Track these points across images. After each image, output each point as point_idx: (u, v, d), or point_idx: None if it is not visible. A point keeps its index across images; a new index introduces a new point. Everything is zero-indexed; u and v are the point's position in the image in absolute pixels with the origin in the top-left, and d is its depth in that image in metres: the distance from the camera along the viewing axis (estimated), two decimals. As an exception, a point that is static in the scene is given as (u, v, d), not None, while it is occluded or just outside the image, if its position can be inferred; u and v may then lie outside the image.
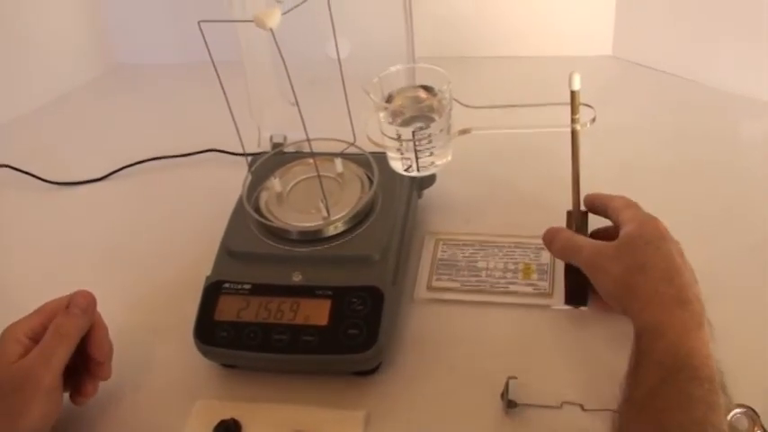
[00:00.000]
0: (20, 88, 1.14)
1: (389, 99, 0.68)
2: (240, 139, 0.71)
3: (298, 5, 0.61)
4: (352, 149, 0.77)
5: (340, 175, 0.75)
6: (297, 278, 0.68)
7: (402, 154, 0.69)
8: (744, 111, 0.95)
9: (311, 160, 0.74)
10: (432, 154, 0.68)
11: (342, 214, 0.70)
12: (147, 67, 1.23)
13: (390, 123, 0.67)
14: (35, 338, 0.60)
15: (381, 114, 0.67)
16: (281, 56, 0.60)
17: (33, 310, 0.62)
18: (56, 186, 0.97)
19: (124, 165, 0.97)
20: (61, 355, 0.59)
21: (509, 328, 0.70)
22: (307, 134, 0.66)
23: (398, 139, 0.67)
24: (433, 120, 0.66)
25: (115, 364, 0.64)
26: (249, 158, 0.77)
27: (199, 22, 0.61)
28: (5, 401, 0.57)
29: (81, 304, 0.61)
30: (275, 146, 0.84)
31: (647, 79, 1.03)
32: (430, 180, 0.80)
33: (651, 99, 1.00)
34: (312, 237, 0.70)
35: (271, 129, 0.85)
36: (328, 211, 0.70)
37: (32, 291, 0.67)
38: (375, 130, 0.70)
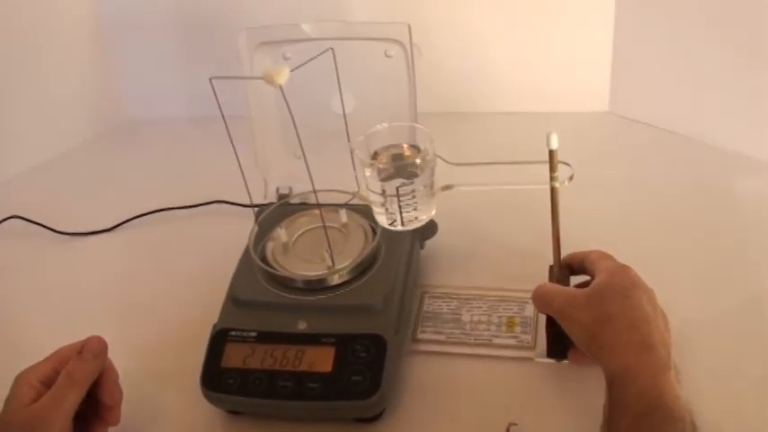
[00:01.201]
0: (32, 140, 1.17)
1: (375, 156, 0.70)
2: (248, 190, 0.73)
3: (305, 63, 0.64)
4: (356, 200, 0.79)
5: (344, 225, 0.77)
6: (302, 326, 0.69)
7: (386, 209, 0.71)
8: (739, 168, 0.97)
9: (316, 211, 0.76)
10: (415, 209, 0.70)
11: (346, 263, 0.72)
12: (157, 121, 1.27)
13: (376, 180, 0.69)
14: (47, 383, 0.61)
15: (367, 171, 0.69)
16: (290, 112, 0.62)
17: (46, 356, 0.63)
18: (65, 237, 0.99)
19: (133, 216, 1.00)
20: (72, 399, 0.60)
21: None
22: (313, 185, 0.68)
23: (383, 194, 0.69)
24: (416, 176, 0.69)
25: (124, 411, 0.65)
26: (256, 209, 0.79)
27: (210, 79, 0.64)
28: None
29: (93, 349, 0.63)
30: (281, 197, 0.86)
31: (643, 135, 1.06)
32: (431, 231, 0.82)
33: (647, 155, 1.03)
34: (317, 285, 0.71)
35: (276, 181, 0.88)
36: (333, 261, 0.72)
37: (43, 338, 0.68)
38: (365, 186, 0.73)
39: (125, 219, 1.00)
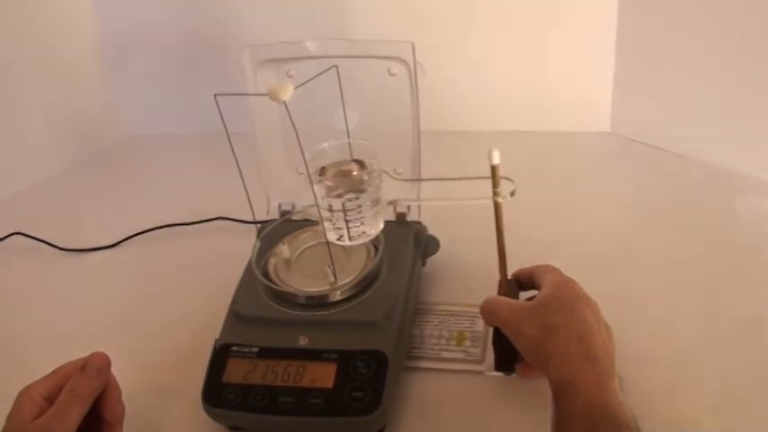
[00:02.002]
0: (34, 156, 1.18)
1: (323, 172, 0.71)
2: (251, 206, 0.73)
3: (309, 80, 0.64)
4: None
5: (346, 242, 0.77)
6: (303, 342, 0.69)
7: (334, 224, 0.72)
8: (739, 187, 0.98)
9: (319, 227, 0.76)
10: (362, 224, 0.71)
11: (348, 280, 0.72)
12: (158, 137, 1.28)
13: (323, 196, 0.70)
14: (50, 399, 0.60)
15: (315, 187, 0.70)
16: (294, 128, 0.63)
17: (50, 372, 0.63)
18: (68, 253, 0.99)
19: (135, 232, 1.00)
20: (75, 415, 0.59)
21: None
22: (317, 201, 0.69)
23: (330, 209, 0.70)
24: (362, 191, 0.70)
25: (126, 425, 0.65)
26: (258, 226, 0.80)
27: (215, 96, 0.64)
28: None
29: (96, 365, 0.62)
30: (283, 213, 0.87)
31: (643, 155, 1.07)
32: (434, 248, 0.83)
33: (647, 174, 1.04)
34: (319, 301, 0.71)
35: (279, 197, 0.88)
36: (335, 277, 0.72)
37: (45, 354, 0.68)
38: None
39: (127, 235, 1.00)
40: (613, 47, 1.04)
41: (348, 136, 0.75)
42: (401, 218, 0.83)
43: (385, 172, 0.73)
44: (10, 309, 0.91)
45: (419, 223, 0.84)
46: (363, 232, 0.72)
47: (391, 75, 0.79)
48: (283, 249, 0.77)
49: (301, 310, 0.71)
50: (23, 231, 1.02)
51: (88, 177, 1.20)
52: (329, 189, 0.70)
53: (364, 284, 0.73)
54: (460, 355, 0.75)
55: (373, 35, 0.76)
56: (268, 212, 0.88)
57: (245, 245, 0.79)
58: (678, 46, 0.98)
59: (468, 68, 1.11)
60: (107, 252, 0.99)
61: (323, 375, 0.66)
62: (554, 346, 0.60)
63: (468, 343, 0.76)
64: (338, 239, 0.73)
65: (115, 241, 1.00)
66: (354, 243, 0.73)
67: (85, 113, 1.24)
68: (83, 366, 0.62)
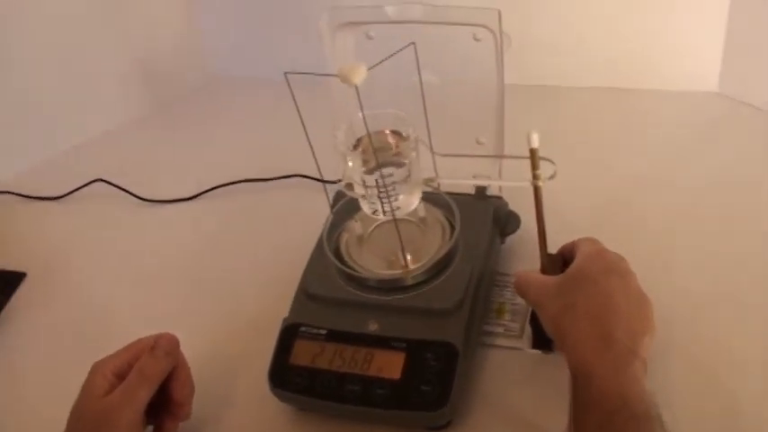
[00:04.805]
0: (114, 99, 1.18)
1: (358, 144, 0.68)
2: (319, 169, 0.70)
3: (384, 60, 0.60)
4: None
5: (422, 220, 0.74)
6: (372, 327, 0.67)
7: (368, 198, 0.69)
8: None
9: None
10: (396, 199, 0.68)
11: (420, 264, 0.69)
12: (242, 79, 1.25)
13: (357, 170, 0.68)
14: (120, 376, 0.62)
15: (349, 160, 0.67)
16: (363, 114, 0.60)
17: (121, 348, 0.64)
18: (147, 203, 1.00)
19: (213, 186, 1.00)
20: (143, 395, 0.60)
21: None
22: (382, 174, 0.65)
23: (363, 185, 0.68)
24: (399, 165, 0.67)
25: (195, 398, 0.66)
26: (332, 199, 0.77)
27: (285, 74, 0.61)
28: None
29: (165, 347, 0.63)
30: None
31: (753, 119, 0.98)
32: (514, 225, 0.79)
33: (756, 140, 0.95)
34: (390, 285, 0.69)
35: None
36: (407, 262, 0.69)
37: (118, 299, 0.72)
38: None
39: (205, 188, 1.00)
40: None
41: (423, 102, 0.71)
42: (480, 192, 0.79)
43: (422, 142, 0.69)
44: (88, 257, 0.93)
45: (499, 198, 0.80)
46: (398, 207, 0.69)
47: (476, 40, 0.73)
48: (356, 226, 0.74)
49: (372, 293, 0.69)
50: (104, 177, 1.03)
51: (170, 120, 1.20)
52: (364, 162, 0.67)
53: (438, 269, 0.70)
54: (500, 330, 0.73)
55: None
56: (343, 177, 0.85)
57: (322, 205, 0.76)
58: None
59: (564, 20, 1.03)
60: (185, 204, 0.99)
61: (390, 365, 0.65)
62: (570, 325, 0.57)
63: (507, 316, 0.74)
64: (373, 213, 0.70)
65: (193, 194, 1.00)
66: (388, 219, 0.70)
67: (166, 54, 1.23)
68: (152, 347, 0.63)
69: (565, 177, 0.68)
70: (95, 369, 0.62)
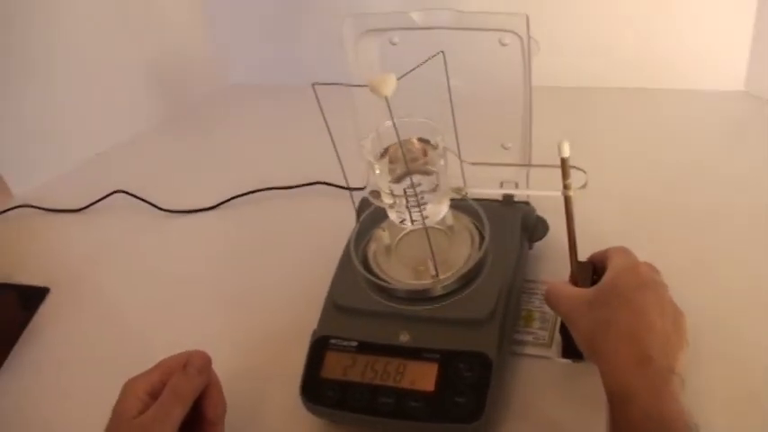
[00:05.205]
0: (132, 108, 1.18)
1: (386, 152, 0.67)
2: (346, 179, 0.70)
3: (413, 70, 0.59)
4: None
5: (450, 228, 0.73)
6: (404, 338, 0.66)
7: (396, 208, 0.68)
8: None
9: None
10: (425, 208, 0.67)
11: (450, 273, 0.68)
12: (261, 88, 1.25)
13: (384, 178, 0.67)
14: (153, 395, 0.61)
15: (376, 168, 0.66)
16: (394, 123, 0.59)
17: (152, 366, 0.63)
18: (168, 214, 0.99)
19: (234, 194, 0.99)
20: (176, 415, 0.60)
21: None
22: (413, 184, 0.65)
23: (391, 194, 0.67)
24: (429, 173, 0.66)
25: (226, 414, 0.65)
26: (357, 207, 0.76)
27: (313, 85, 0.60)
28: None
29: (197, 365, 0.63)
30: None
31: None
32: (543, 231, 0.78)
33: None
34: (420, 296, 0.68)
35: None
36: (437, 271, 0.68)
37: (142, 312, 0.72)
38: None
39: (227, 197, 0.99)
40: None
41: (452, 110, 0.70)
42: (508, 198, 0.78)
43: (450, 150, 0.68)
44: (110, 271, 0.92)
45: (527, 204, 0.79)
46: (427, 216, 0.68)
47: (502, 45, 0.72)
48: (383, 235, 0.74)
49: (402, 304, 0.68)
50: (124, 188, 1.02)
51: (188, 129, 1.19)
52: (391, 171, 0.66)
53: (468, 278, 0.69)
54: (529, 338, 0.72)
55: (484, 4, 0.69)
56: (366, 184, 0.84)
57: (345, 212, 0.76)
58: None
59: (593, 20, 1.02)
60: (207, 214, 0.98)
61: (423, 376, 0.64)
62: (604, 345, 0.56)
63: (536, 324, 0.74)
64: (401, 222, 0.70)
65: (215, 203, 0.99)
66: (416, 227, 0.69)
67: (186, 62, 1.22)
68: (184, 365, 0.62)
69: (592, 179, 0.68)
70: (127, 389, 0.62)
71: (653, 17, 1.00)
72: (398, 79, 0.58)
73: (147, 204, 1.00)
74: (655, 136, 0.97)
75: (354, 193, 0.76)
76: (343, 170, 0.69)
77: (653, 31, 1.01)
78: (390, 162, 0.66)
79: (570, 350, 0.67)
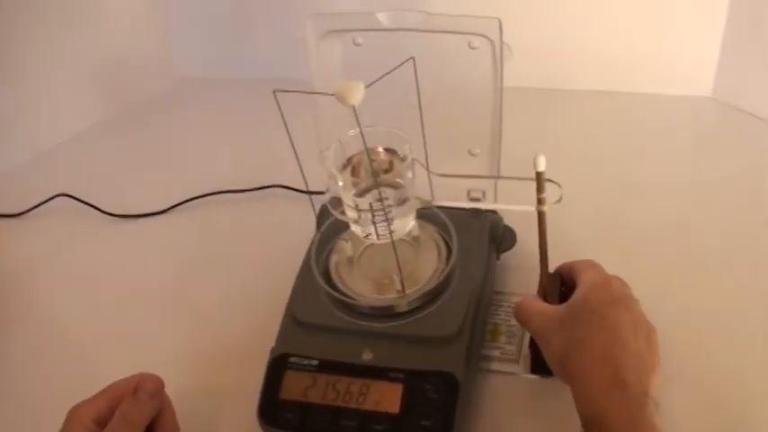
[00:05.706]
0: (77, 105, 1.12)
1: (349, 162, 0.64)
2: (306, 183, 0.66)
3: (382, 77, 0.56)
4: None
5: (415, 238, 0.70)
6: (367, 356, 0.63)
7: (360, 223, 0.65)
8: None
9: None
10: (391, 223, 0.64)
11: (416, 288, 0.65)
12: (211, 81, 1.20)
13: (348, 191, 0.64)
14: (101, 422, 0.57)
15: (339, 181, 0.63)
16: (362, 134, 0.55)
17: (99, 392, 0.59)
18: (114, 219, 0.94)
19: (186, 198, 0.95)
20: None
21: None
22: (381, 198, 0.61)
23: (356, 208, 0.64)
24: (396, 185, 0.63)
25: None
26: (317, 214, 0.73)
27: (274, 92, 0.57)
28: None
29: (149, 389, 0.58)
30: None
31: (747, 126, 0.97)
32: (510, 242, 0.76)
33: (750, 147, 0.93)
34: (384, 312, 0.65)
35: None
36: (403, 286, 0.65)
37: (88, 327, 0.68)
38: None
39: (178, 201, 0.95)
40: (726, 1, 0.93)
41: (421, 117, 0.67)
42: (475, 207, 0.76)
43: (418, 162, 0.66)
44: (53, 279, 0.87)
45: (494, 213, 0.76)
46: (393, 231, 0.65)
47: (472, 48, 0.69)
48: (345, 246, 0.70)
49: (365, 320, 0.65)
50: (67, 191, 0.97)
51: (137, 128, 1.14)
52: (355, 185, 0.63)
53: (434, 294, 0.66)
54: (496, 353, 0.70)
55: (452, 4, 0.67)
56: (327, 189, 0.81)
57: (304, 216, 0.72)
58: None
59: (559, 22, 1.01)
60: (156, 219, 0.94)
61: (388, 397, 0.61)
62: (578, 366, 0.54)
63: (503, 338, 0.72)
64: (365, 237, 0.66)
65: (165, 207, 0.94)
66: (382, 242, 0.66)
67: (135, 57, 1.17)
68: (135, 389, 0.58)
69: (559, 181, 0.65)
70: (72, 417, 0.57)
71: (621, 21, 0.99)
72: (366, 87, 0.55)
73: (92, 209, 0.95)
74: (624, 142, 0.96)
75: (315, 197, 0.72)
76: (302, 173, 0.65)
77: (623, 34, 1.00)
78: (354, 175, 0.63)
79: (539, 366, 0.66)
